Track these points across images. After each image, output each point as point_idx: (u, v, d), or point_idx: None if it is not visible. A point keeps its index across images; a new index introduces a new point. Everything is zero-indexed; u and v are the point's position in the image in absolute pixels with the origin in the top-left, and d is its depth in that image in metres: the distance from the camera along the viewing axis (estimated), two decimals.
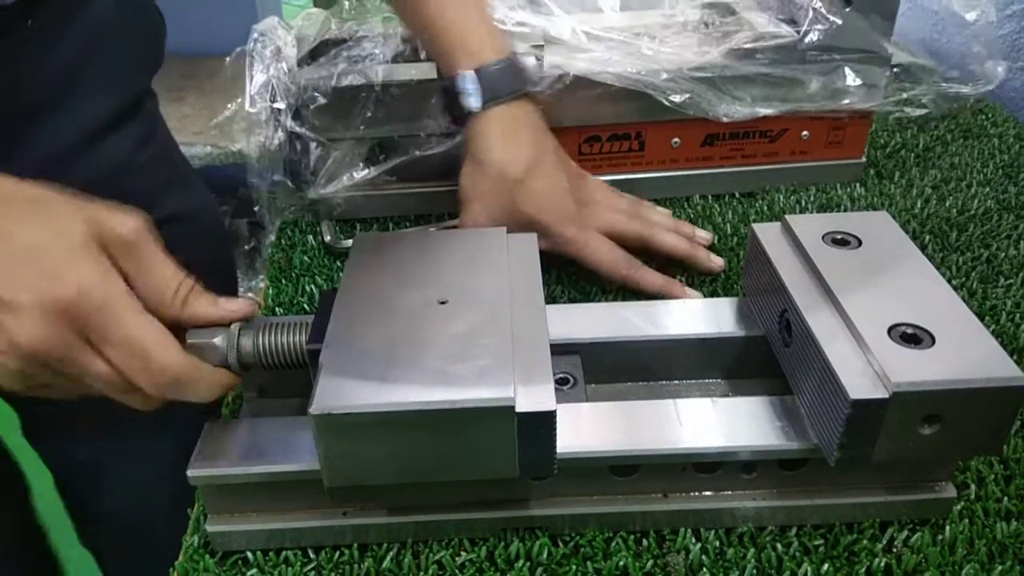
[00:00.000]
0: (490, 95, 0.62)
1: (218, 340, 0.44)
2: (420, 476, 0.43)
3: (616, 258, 0.64)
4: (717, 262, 0.68)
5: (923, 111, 0.76)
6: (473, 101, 0.61)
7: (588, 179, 0.68)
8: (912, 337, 0.42)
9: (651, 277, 0.64)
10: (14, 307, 0.38)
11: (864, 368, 0.41)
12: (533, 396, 0.41)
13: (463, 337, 0.44)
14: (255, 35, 0.70)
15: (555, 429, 0.42)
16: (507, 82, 0.62)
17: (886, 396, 0.40)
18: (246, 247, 1.78)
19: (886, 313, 0.44)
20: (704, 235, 0.70)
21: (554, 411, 0.41)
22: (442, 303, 0.46)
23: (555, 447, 0.42)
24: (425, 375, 0.41)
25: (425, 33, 0.64)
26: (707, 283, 0.68)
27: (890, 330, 0.42)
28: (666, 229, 0.67)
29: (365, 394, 0.40)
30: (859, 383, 0.40)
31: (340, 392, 0.40)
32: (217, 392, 0.44)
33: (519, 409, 0.40)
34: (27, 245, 0.39)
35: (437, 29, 0.63)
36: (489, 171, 0.62)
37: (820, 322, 0.44)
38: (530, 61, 0.64)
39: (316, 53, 0.72)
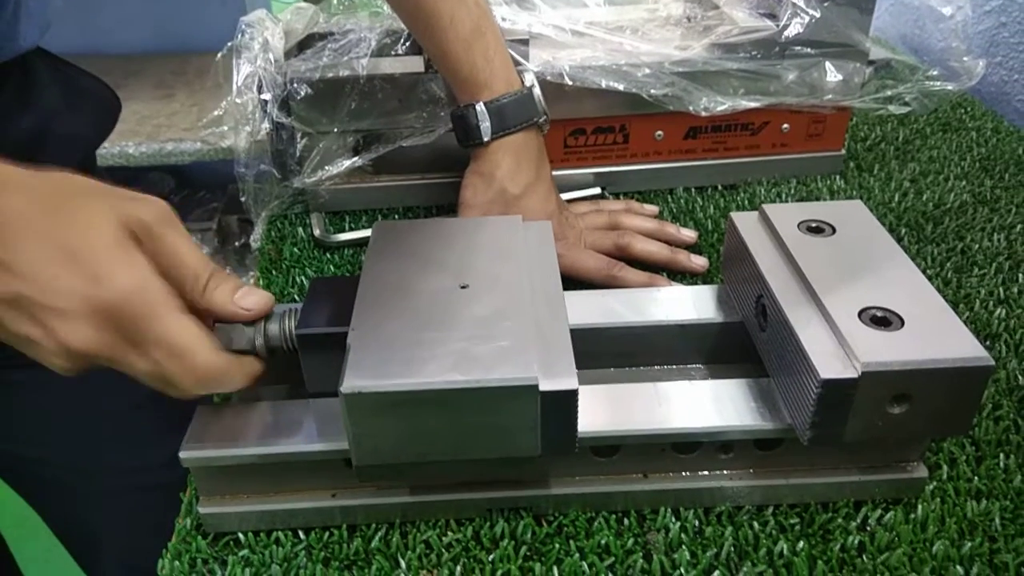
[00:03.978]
0: (499, 127, 0.65)
1: (246, 325, 0.46)
2: (445, 454, 0.44)
3: (599, 263, 0.67)
4: (699, 262, 0.69)
5: (906, 109, 0.77)
6: (484, 132, 0.65)
7: (569, 208, 0.72)
8: (882, 320, 0.44)
9: (634, 276, 0.67)
10: (61, 313, 0.39)
11: (835, 349, 0.43)
12: (555, 375, 0.42)
13: (486, 320, 0.45)
14: (243, 27, 0.71)
15: (577, 407, 0.43)
16: (516, 115, 0.65)
17: (855, 376, 0.41)
18: (236, 243, 1.78)
19: (857, 297, 0.45)
20: (688, 234, 0.72)
21: (576, 390, 0.42)
22: (463, 287, 0.47)
23: (576, 425, 0.44)
24: (450, 356, 0.42)
25: (440, 60, 0.66)
26: (689, 275, 0.69)
27: (860, 313, 0.44)
28: (646, 235, 0.70)
29: (393, 374, 0.42)
30: (829, 363, 0.42)
31: (369, 372, 0.42)
32: (248, 383, 0.45)
33: (542, 388, 0.42)
34: (63, 246, 0.39)
35: (451, 58, 0.65)
36: (492, 185, 0.66)
37: (793, 306, 0.46)
38: (537, 91, 0.67)
39: (304, 46, 0.73)
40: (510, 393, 0.42)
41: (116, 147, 1.47)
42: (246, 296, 0.45)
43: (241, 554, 0.48)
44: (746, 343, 0.52)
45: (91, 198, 0.41)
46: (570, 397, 0.42)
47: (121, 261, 0.39)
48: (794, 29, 0.73)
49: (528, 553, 0.47)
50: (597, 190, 0.80)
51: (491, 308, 0.46)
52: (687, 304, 0.55)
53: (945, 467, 0.51)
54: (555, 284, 0.50)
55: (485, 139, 0.65)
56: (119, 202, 0.41)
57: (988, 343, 0.61)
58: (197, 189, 1.81)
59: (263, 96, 0.69)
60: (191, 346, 0.41)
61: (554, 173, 0.70)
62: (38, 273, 0.39)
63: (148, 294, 0.40)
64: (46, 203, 0.40)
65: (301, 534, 0.49)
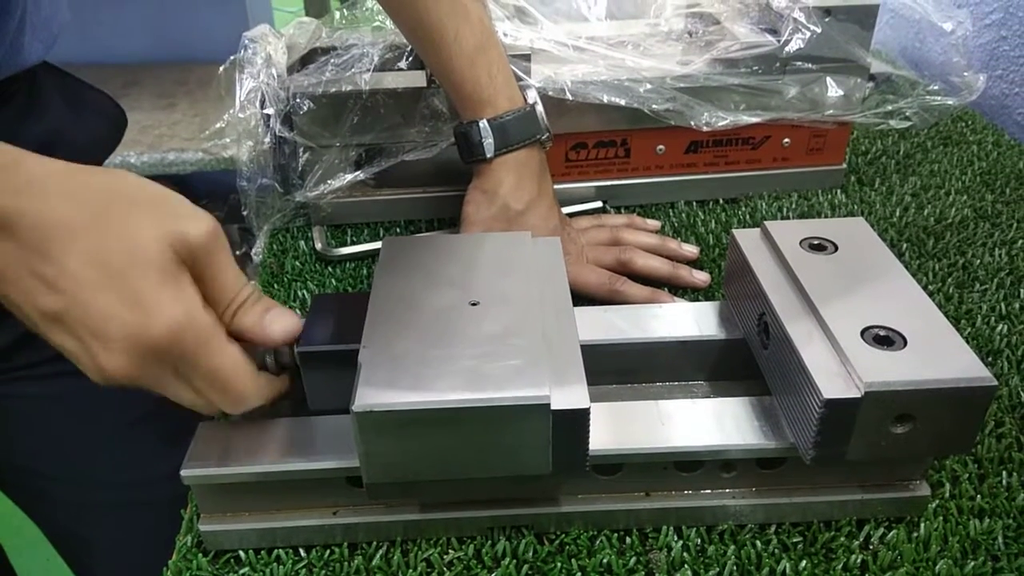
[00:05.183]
0: (502, 144, 0.65)
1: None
2: (456, 472, 0.44)
3: (601, 278, 0.67)
4: (701, 277, 0.69)
5: (907, 123, 0.77)
6: (487, 149, 0.65)
7: (571, 223, 0.72)
8: (884, 339, 0.44)
9: (636, 290, 0.67)
10: (104, 340, 0.38)
11: (837, 369, 0.43)
12: (567, 394, 0.42)
13: (496, 337, 0.45)
14: (246, 42, 0.71)
15: (588, 426, 0.43)
16: (519, 132, 0.66)
17: (858, 396, 0.41)
18: (237, 252, 1.79)
19: (860, 316, 0.45)
20: (690, 250, 0.72)
21: (588, 409, 0.42)
22: (473, 304, 0.47)
23: (588, 443, 0.44)
24: (462, 374, 0.42)
25: (443, 76, 0.66)
26: (691, 290, 0.69)
27: (863, 332, 0.44)
28: (648, 251, 0.70)
29: (405, 392, 0.41)
30: (832, 383, 0.42)
31: (381, 390, 0.41)
32: (273, 400, 0.46)
33: (554, 407, 0.42)
34: (109, 266, 0.38)
35: (455, 75, 0.65)
36: (495, 201, 0.66)
37: (796, 325, 0.46)
38: (539, 108, 0.67)
39: (306, 61, 0.73)
40: (522, 411, 0.42)
41: (118, 157, 1.47)
42: (274, 322, 0.44)
43: (242, 572, 0.47)
44: (748, 360, 0.52)
45: (139, 211, 0.39)
46: (582, 416, 0.42)
47: (168, 293, 0.38)
48: (795, 44, 0.73)
49: (530, 572, 0.47)
50: (599, 204, 0.80)
51: (502, 325, 0.46)
52: (689, 320, 0.55)
53: (948, 485, 0.51)
54: (565, 301, 0.50)
55: (488, 156, 0.65)
56: (168, 219, 0.40)
57: (990, 359, 0.61)
58: (198, 199, 1.81)
59: (266, 111, 0.70)
60: (235, 375, 0.42)
61: (556, 187, 0.70)
62: (82, 294, 0.37)
63: (195, 331, 0.40)
64: (91, 213, 0.38)
65: (302, 552, 0.49)
